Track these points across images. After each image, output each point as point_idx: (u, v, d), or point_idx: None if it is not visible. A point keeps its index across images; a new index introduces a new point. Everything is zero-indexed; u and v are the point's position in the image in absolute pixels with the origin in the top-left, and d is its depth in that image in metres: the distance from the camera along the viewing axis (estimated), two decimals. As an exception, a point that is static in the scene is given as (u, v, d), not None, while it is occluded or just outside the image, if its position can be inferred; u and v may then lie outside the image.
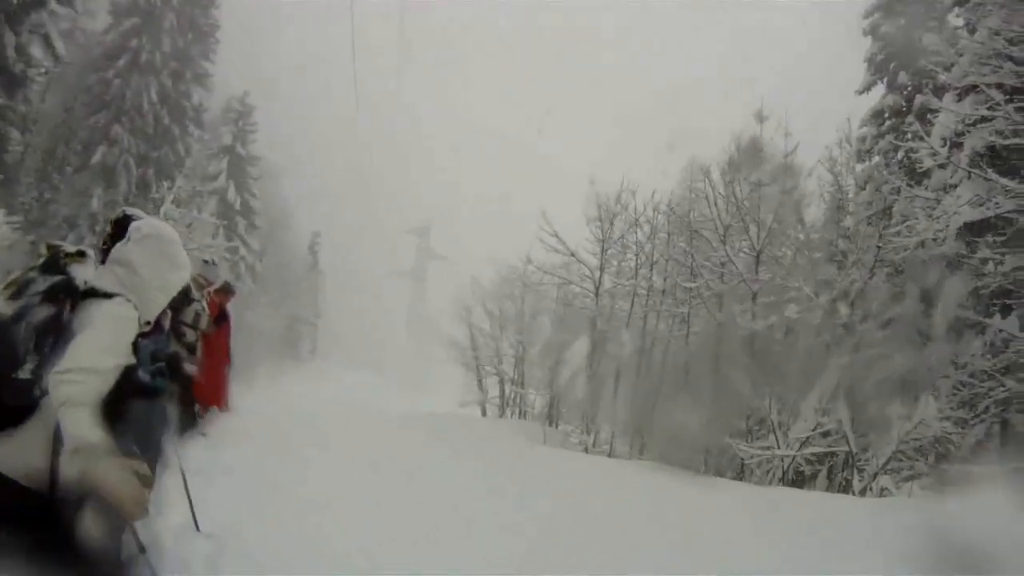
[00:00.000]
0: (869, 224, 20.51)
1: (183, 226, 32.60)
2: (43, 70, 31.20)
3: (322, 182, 67.62)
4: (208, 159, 45.19)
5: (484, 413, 26.85)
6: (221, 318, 14.01)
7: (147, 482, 3.44)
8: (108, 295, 3.82)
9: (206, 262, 12.91)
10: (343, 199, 72.08)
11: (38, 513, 3.44)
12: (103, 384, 3.53)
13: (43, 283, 3.81)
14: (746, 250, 20.97)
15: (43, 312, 3.68)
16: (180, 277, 4.25)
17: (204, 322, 10.55)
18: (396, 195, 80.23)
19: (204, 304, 10.76)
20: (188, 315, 10.06)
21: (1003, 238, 17.02)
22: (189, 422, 10.95)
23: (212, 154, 45.76)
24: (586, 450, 20.61)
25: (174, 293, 4.24)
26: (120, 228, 4.28)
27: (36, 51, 29.36)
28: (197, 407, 12.20)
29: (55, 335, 3.63)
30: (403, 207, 78.90)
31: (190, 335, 10.14)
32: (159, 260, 4.13)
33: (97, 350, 3.56)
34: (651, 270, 23.17)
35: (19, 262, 25.66)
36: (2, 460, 3.47)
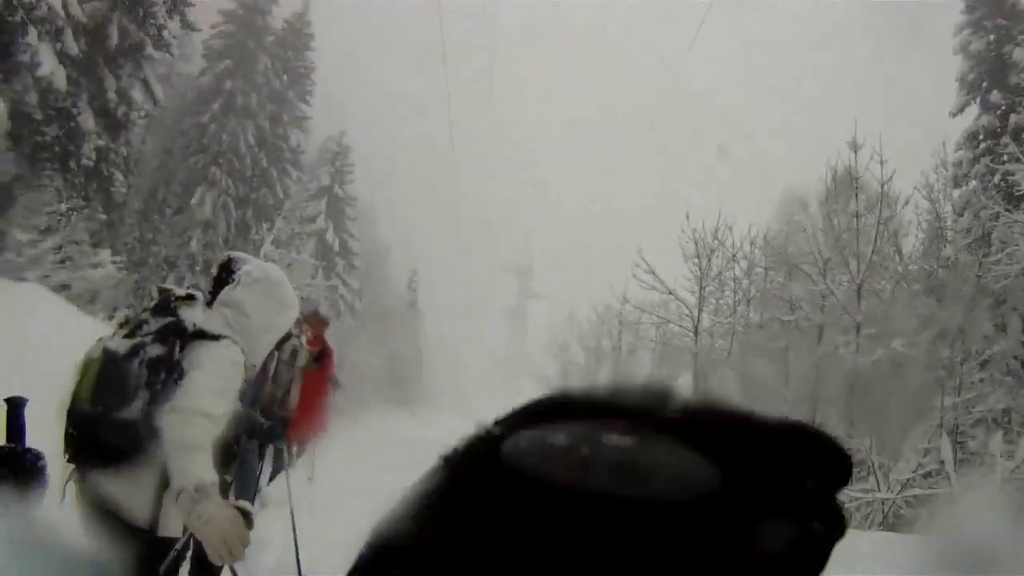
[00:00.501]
0: (968, 252, 20.09)
1: (283, 267, 32.90)
2: (143, 113, 31.77)
3: (419, 220, 67.93)
4: (306, 200, 45.34)
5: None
6: (322, 353, 14.16)
7: (250, 522, 3.48)
8: (216, 337, 3.89)
9: (302, 299, 12.98)
10: (440, 237, 72.32)
11: (140, 550, 3.58)
12: (216, 428, 3.60)
13: (155, 324, 3.96)
14: (845, 283, 20.48)
15: (154, 351, 3.82)
16: (288, 317, 4.37)
17: (303, 359, 10.54)
18: (493, 232, 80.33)
19: (303, 340, 10.75)
20: (284, 352, 10.06)
21: None
22: (282, 462, 11.03)
23: (310, 195, 45.83)
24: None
25: (282, 334, 4.36)
26: (225, 272, 4.37)
27: (136, 95, 29.93)
28: (294, 447, 12.31)
29: (166, 374, 3.74)
30: (500, 245, 78.97)
31: (286, 373, 10.12)
32: (268, 302, 4.22)
33: (209, 393, 3.63)
34: (748, 306, 22.84)
35: (123, 301, 26.21)
36: (107, 496, 3.65)
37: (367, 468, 13.87)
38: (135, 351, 3.84)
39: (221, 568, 3.89)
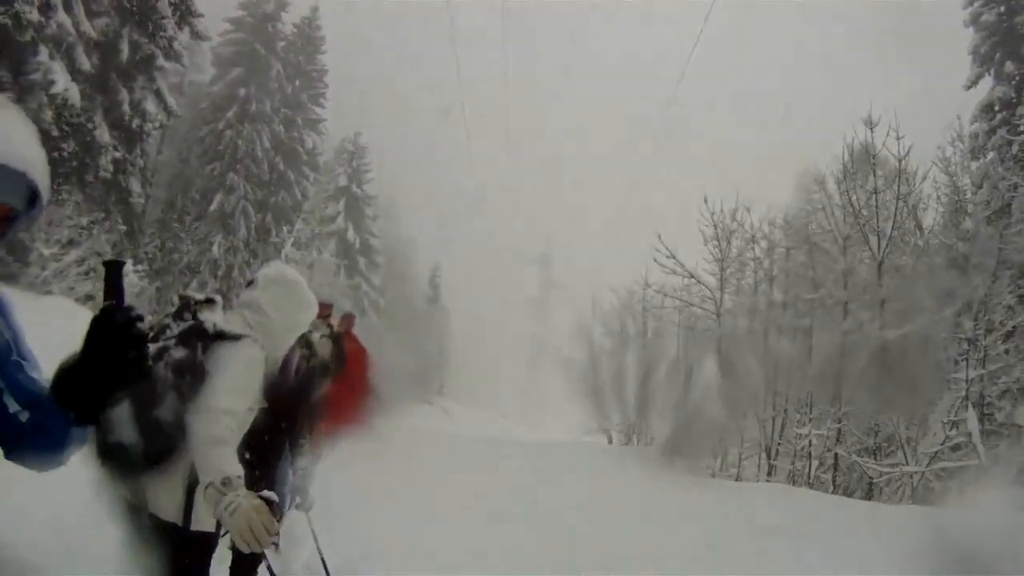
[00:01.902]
0: (989, 224, 20.04)
1: (304, 267, 33.13)
2: (158, 124, 31.96)
3: (439, 215, 67.73)
4: (325, 201, 45.68)
5: (610, 440, 26.67)
6: (349, 350, 14.27)
7: (276, 511, 3.57)
8: (236, 337, 4.01)
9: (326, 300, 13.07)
10: (460, 231, 72.19)
11: (173, 545, 3.76)
12: (240, 424, 3.75)
13: (176, 328, 4.15)
14: (867, 259, 20.46)
15: (178, 354, 3.97)
16: (308, 316, 4.48)
17: (321, 350, 10.54)
18: (512, 223, 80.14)
19: (320, 334, 10.76)
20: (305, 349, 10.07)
21: None
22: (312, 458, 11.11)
23: (329, 196, 46.25)
24: (713, 475, 20.37)
25: (301, 331, 4.49)
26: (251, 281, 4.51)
27: (150, 106, 30.13)
28: (323, 444, 12.42)
29: (191, 375, 3.87)
30: (520, 236, 78.85)
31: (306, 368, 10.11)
32: (285, 301, 4.34)
33: (232, 392, 3.75)
34: (771, 285, 22.79)
35: (146, 309, 26.34)
36: (140, 494, 3.81)
37: (397, 465, 14.01)
38: (160, 355, 3.97)
39: (257, 562, 3.99)
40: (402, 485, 12.40)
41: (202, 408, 3.62)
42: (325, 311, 13.66)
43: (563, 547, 10.09)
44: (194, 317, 4.20)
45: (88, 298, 24.53)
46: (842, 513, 14.36)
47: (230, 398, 3.72)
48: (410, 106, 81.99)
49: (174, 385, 3.85)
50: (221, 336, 4.02)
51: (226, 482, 3.36)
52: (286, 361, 4.38)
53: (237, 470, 3.45)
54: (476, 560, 9.03)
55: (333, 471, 11.69)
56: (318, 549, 6.14)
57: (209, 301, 4.36)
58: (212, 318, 4.17)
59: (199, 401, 3.66)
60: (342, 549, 7.69)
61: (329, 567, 6.37)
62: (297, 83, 41.98)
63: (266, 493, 3.76)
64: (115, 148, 28.33)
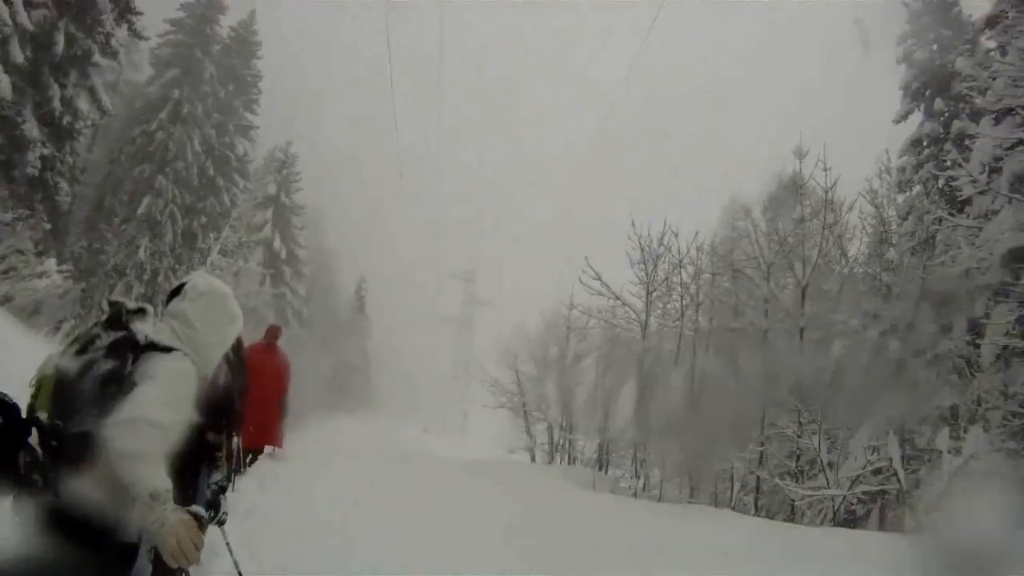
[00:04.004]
0: (913, 255, 20.41)
1: (230, 275, 32.97)
2: (90, 122, 31.66)
3: (367, 227, 68.03)
4: (253, 209, 45.54)
5: (533, 459, 26.69)
6: (272, 363, 14.21)
7: (204, 526, 3.68)
8: (167, 349, 3.96)
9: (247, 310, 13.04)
10: (388, 244, 72.44)
11: (100, 556, 3.64)
12: (166, 437, 3.62)
13: (107, 339, 4.01)
14: (791, 286, 20.72)
15: (106, 366, 3.87)
16: (234, 330, 4.44)
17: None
18: (439, 240, 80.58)
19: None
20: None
21: None
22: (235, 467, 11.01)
23: (257, 204, 46.12)
24: (635, 495, 20.44)
25: (228, 346, 4.43)
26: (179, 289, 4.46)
27: (83, 104, 29.84)
28: (247, 454, 12.30)
29: (117, 387, 3.77)
30: (446, 251, 79.28)
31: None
32: (213, 315, 4.32)
33: (158, 403, 3.66)
34: (696, 311, 22.98)
35: (71, 310, 26.01)
36: (66, 505, 3.61)
37: (314, 474, 13.95)
38: (88, 367, 3.89)
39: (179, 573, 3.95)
40: (321, 496, 12.28)
41: (120, 420, 3.53)
42: (272, 333, 13.65)
43: (483, 563, 10.02)
44: (125, 327, 4.10)
45: (6, 299, 24.11)
46: (769, 536, 14.49)
47: (156, 409, 3.63)
48: (341, 117, 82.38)
49: (100, 397, 3.76)
50: (152, 347, 3.97)
51: (154, 496, 3.34)
52: (214, 376, 4.33)
53: (165, 484, 3.42)
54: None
55: (251, 484, 11.61)
56: (234, 562, 6.07)
57: (141, 311, 4.25)
58: (143, 329, 4.09)
59: (117, 413, 3.56)
60: (258, 562, 7.61)
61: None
62: (231, 87, 41.91)
63: (193, 508, 3.73)
64: (44, 144, 28.01)
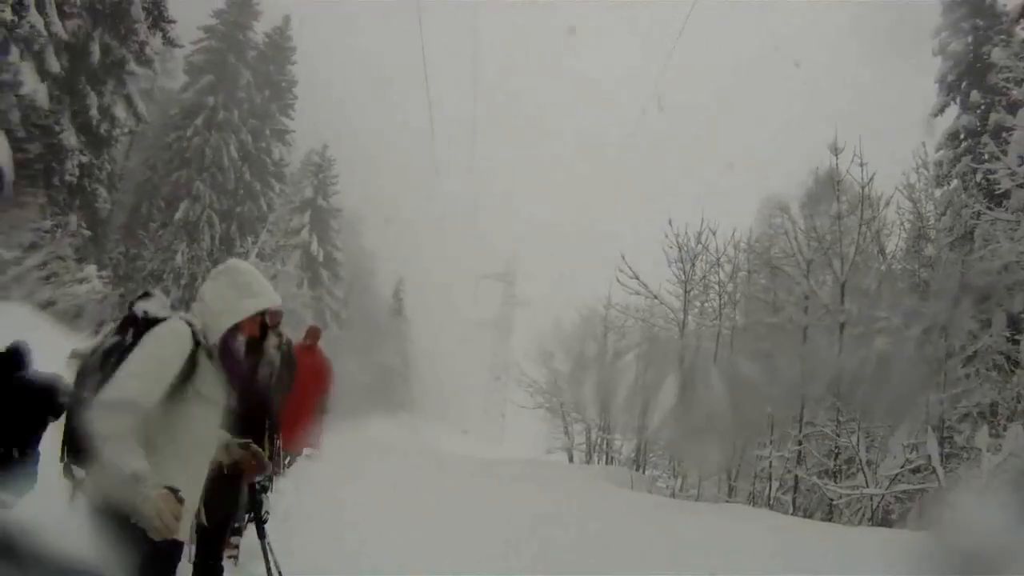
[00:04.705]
0: (951, 250, 20.19)
1: (268, 278, 33.11)
2: (126, 129, 31.91)
3: (404, 230, 67.66)
4: (291, 213, 45.62)
5: (571, 459, 26.64)
6: (315, 364, 14.21)
7: (180, 499, 3.61)
8: (164, 320, 4.14)
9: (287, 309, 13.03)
10: (424, 246, 72.16)
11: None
12: (138, 409, 3.74)
13: (115, 323, 4.36)
14: (829, 283, 20.59)
15: (110, 342, 4.16)
16: (253, 303, 4.44)
17: (274, 365, 10.36)
18: (477, 241, 79.91)
19: (271, 345, 10.54)
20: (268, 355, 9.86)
21: None
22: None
23: (294, 208, 46.29)
24: (673, 494, 20.37)
25: (243, 316, 4.38)
26: None
27: (119, 112, 30.11)
28: (286, 455, 12.29)
29: (117, 359, 4.02)
30: (484, 252, 78.56)
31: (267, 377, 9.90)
32: (227, 289, 4.40)
33: (136, 377, 3.83)
34: (734, 309, 22.88)
35: (110, 314, 26.19)
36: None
37: (351, 477, 13.95)
38: (98, 346, 4.21)
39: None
40: (359, 499, 12.29)
41: (98, 402, 3.68)
42: (275, 319, 13.47)
43: (526, 563, 10.01)
44: (129, 308, 4.32)
45: (49, 304, 24.31)
46: (805, 535, 14.37)
47: (133, 384, 3.78)
48: (378, 121, 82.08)
49: (102, 368, 4.01)
50: (150, 322, 4.11)
51: (135, 476, 3.46)
52: (227, 350, 4.32)
53: (139, 464, 3.53)
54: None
55: (289, 486, 11.63)
56: (273, 562, 6.08)
57: (146, 295, 4.46)
58: (144, 306, 4.26)
59: (101, 394, 3.71)
60: (298, 563, 7.62)
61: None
62: (266, 93, 42.06)
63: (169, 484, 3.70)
64: (82, 152, 28.32)
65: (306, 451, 14.57)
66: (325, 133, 48.96)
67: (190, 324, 4.15)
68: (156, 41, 31.22)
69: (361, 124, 71.50)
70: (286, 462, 12.73)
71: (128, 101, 30.83)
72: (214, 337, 4.23)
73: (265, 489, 6.69)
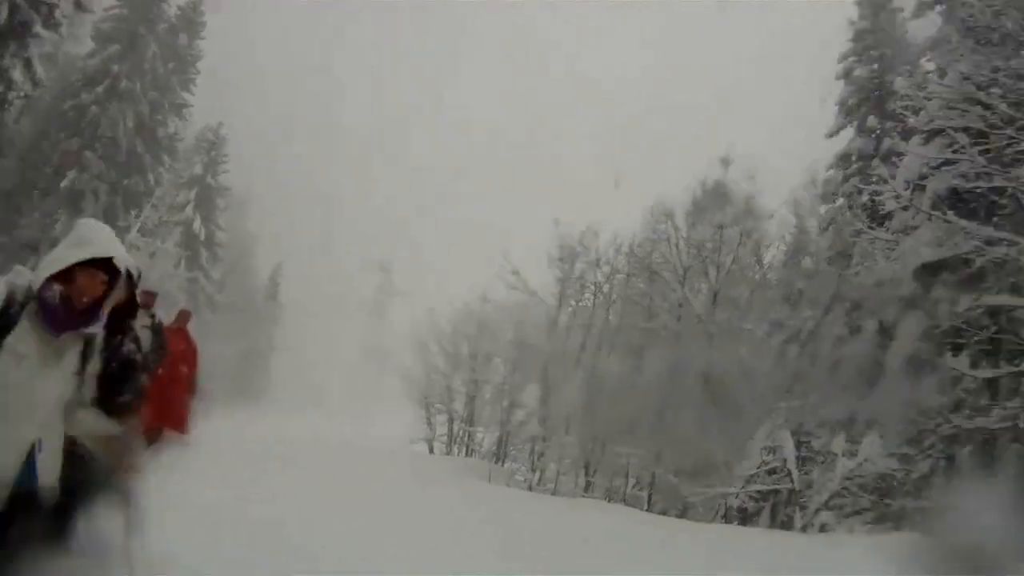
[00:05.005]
0: (829, 264, 20.41)
1: (146, 255, 32.34)
2: (21, 93, 31.06)
3: (289, 214, 67.40)
4: (177, 189, 44.94)
5: (431, 450, 26.46)
6: (182, 348, 13.80)
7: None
8: None
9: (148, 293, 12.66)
10: (307, 232, 72.01)
11: None
12: None
13: None
14: (704, 291, 20.74)
15: None
16: (76, 253, 4.24)
17: (142, 344, 9.90)
18: (361, 229, 79.61)
19: (141, 324, 10.15)
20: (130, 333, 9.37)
21: (957, 279, 17.00)
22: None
23: (181, 183, 45.62)
24: (530, 488, 20.21)
25: (62, 265, 4.20)
26: None
27: (16, 75, 29.26)
28: (152, 438, 11.85)
29: None
30: (367, 241, 78.28)
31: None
32: (63, 244, 4.35)
33: None
34: (608, 310, 22.96)
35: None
36: None
37: (212, 462, 13.60)
38: None
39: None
40: (216, 485, 11.82)
41: None
42: (148, 300, 12.90)
43: (369, 553, 9.58)
44: None
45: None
46: (659, 529, 14.46)
47: None
48: (275, 101, 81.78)
49: None
50: None
51: None
52: (42, 301, 3.95)
53: None
54: (278, 567, 8.52)
55: (155, 469, 11.06)
56: (132, 545, 5.57)
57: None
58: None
59: None
60: (157, 552, 7.15)
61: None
62: (170, 66, 41.20)
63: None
64: (-30, 113, 27.50)
65: (173, 436, 14.13)
66: (222, 111, 48.31)
67: (10, 284, 4.10)
68: (67, 5, 30.48)
69: (260, 106, 71.01)
70: (152, 446, 12.26)
71: (27, 64, 30.00)
72: (40, 274, 4.17)
73: (128, 473, 6.16)
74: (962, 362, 16.40)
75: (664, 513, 18.76)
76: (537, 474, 21.76)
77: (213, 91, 45.38)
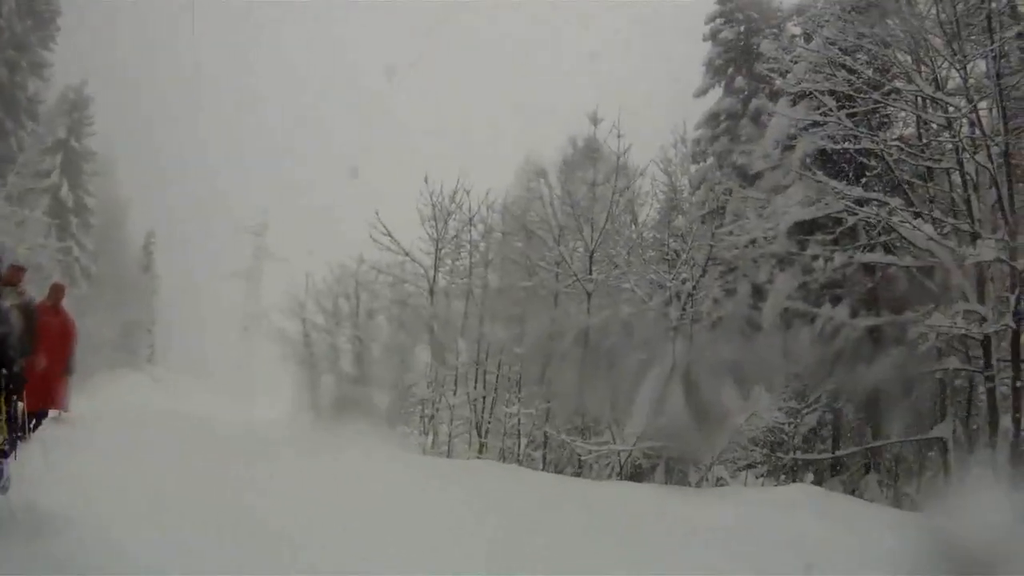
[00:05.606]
0: (702, 223, 20.90)
1: (13, 224, 31.57)
2: None
3: (159, 178, 65.76)
4: (41, 154, 43.38)
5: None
6: (55, 324, 13.62)
7: None
8: None
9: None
10: (178, 196, 70.38)
11: None
12: None
13: None
14: (581, 250, 21.11)
15: None
16: None
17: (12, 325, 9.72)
18: (231, 193, 78.11)
19: (10, 303, 9.90)
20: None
21: (832, 236, 17.64)
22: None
23: (45, 148, 43.69)
24: (423, 451, 20.42)
25: None
26: None
27: None
28: (31, 418, 11.69)
29: None
30: (238, 204, 76.82)
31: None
32: None
33: None
34: (486, 269, 23.12)
35: None
36: None
37: (97, 437, 13.48)
38: None
39: None
40: (103, 461, 11.77)
41: None
42: (16, 276, 12.50)
43: (254, 524, 9.69)
44: None
45: None
46: (551, 488, 14.72)
47: None
48: (141, 59, 79.64)
49: None
50: None
51: None
52: None
53: None
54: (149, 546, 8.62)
55: (35, 450, 11.03)
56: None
57: None
58: None
59: None
60: (43, 531, 7.26)
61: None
62: (29, 23, 39.87)
63: None
64: None
65: (52, 413, 14.02)
66: (85, 70, 46.74)
67: None
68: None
69: (124, 64, 69.07)
70: (31, 425, 12.14)
71: None
72: None
73: (5, 455, 6.27)
74: (842, 312, 17.19)
75: (560, 471, 19.17)
76: (430, 437, 21.92)
77: (74, 49, 44.05)
